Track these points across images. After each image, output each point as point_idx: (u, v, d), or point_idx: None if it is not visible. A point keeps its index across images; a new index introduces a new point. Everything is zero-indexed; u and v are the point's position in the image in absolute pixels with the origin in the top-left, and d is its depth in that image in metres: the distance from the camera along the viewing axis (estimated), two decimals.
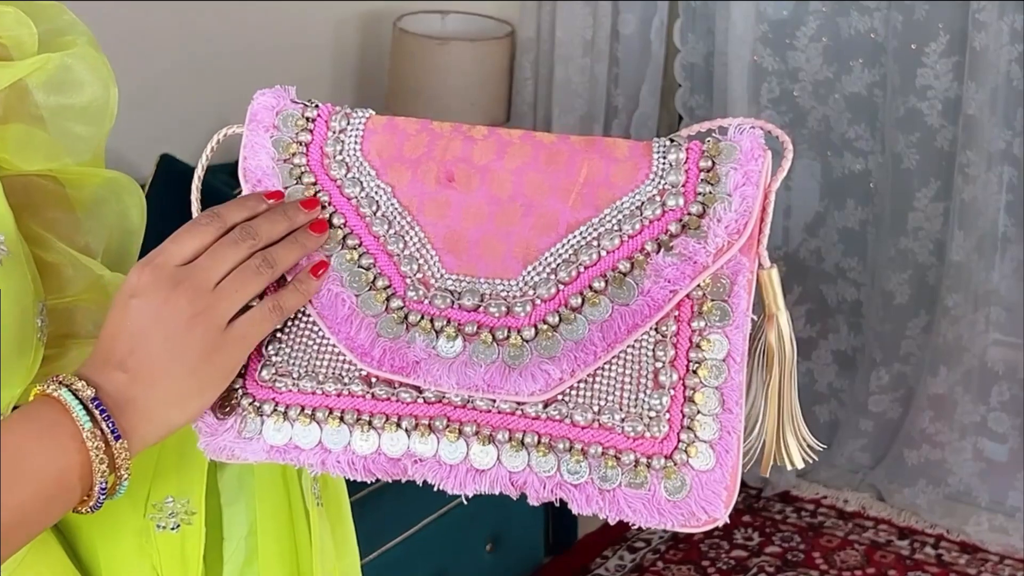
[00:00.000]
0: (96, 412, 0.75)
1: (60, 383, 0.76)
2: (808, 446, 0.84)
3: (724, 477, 0.78)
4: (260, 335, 0.81)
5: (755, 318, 0.82)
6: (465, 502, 0.81)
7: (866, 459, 2.97)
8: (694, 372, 0.79)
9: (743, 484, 2.77)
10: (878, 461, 2.95)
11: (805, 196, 2.96)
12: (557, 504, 0.79)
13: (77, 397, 0.75)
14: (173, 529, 0.89)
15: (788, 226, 2.99)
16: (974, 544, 2.76)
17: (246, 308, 0.80)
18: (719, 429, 0.78)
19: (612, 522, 0.79)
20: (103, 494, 0.76)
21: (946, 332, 2.78)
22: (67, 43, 0.91)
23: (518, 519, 2.49)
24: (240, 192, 0.85)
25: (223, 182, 2.09)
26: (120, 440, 0.76)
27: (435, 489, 0.80)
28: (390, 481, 0.82)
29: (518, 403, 0.79)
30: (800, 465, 0.84)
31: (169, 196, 2.47)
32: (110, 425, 0.76)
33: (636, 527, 2.75)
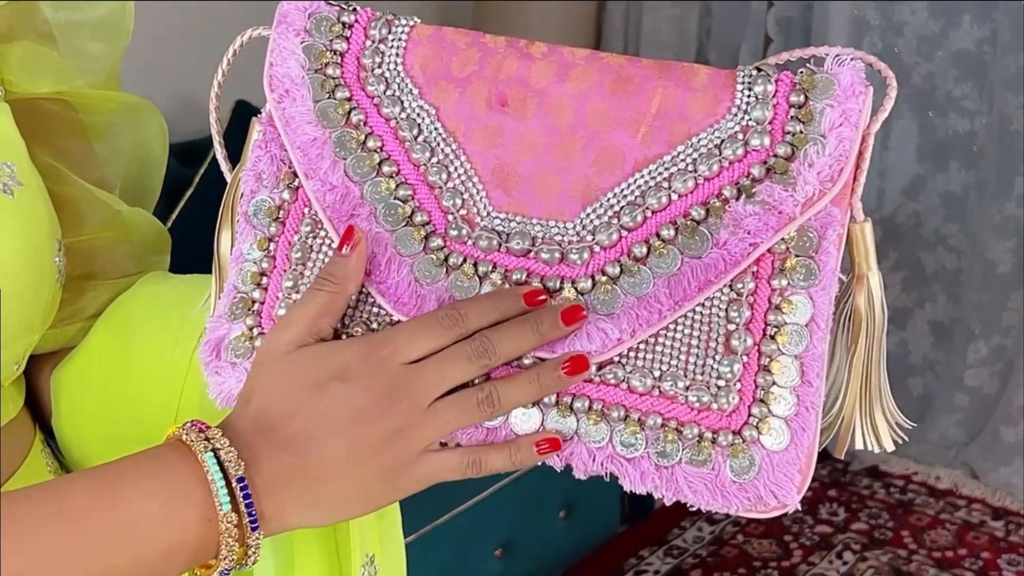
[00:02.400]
0: (239, 496, 0.65)
1: (207, 439, 0.66)
2: (896, 424, 0.74)
3: (798, 458, 0.69)
4: (445, 479, 0.70)
5: (843, 278, 0.72)
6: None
7: (960, 435, 2.88)
8: (772, 338, 0.70)
9: (828, 456, 2.72)
10: (973, 437, 2.86)
11: (904, 157, 2.86)
12: (607, 479, 0.71)
13: (222, 469, 0.65)
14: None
15: (884, 188, 2.88)
16: None
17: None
18: (796, 404, 0.69)
19: (668, 502, 0.70)
20: (227, 573, 0.67)
21: None
22: None
23: (593, 486, 2.41)
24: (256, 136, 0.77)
25: None
26: (256, 531, 0.66)
27: None
28: None
29: None
30: (890, 448, 0.74)
31: (246, 142, 2.43)
32: (250, 514, 0.66)
33: None
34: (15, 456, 0.83)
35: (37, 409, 0.90)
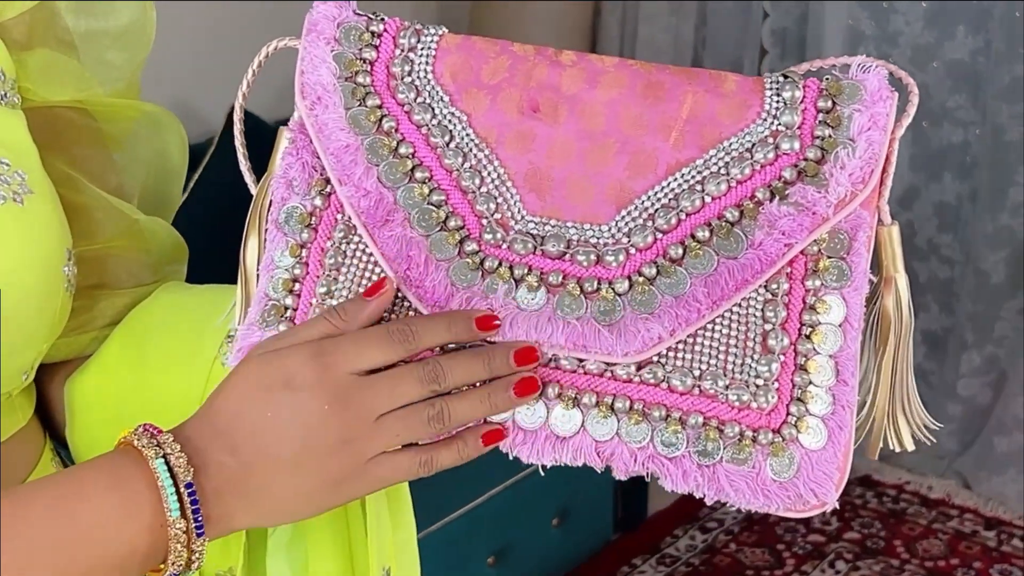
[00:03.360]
0: (187, 502, 0.66)
1: (158, 444, 0.66)
2: (923, 425, 0.76)
3: (836, 456, 0.70)
4: (398, 482, 0.70)
5: (873, 278, 0.74)
6: (542, 472, 0.73)
7: (953, 444, 2.88)
8: (807, 337, 0.71)
9: None
10: (966, 447, 2.86)
11: (897, 167, 2.82)
12: (648, 479, 0.71)
13: (172, 474, 0.66)
14: None
15: None
16: None
17: None
18: (832, 402, 0.71)
19: (710, 501, 0.71)
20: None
21: None
22: None
23: (587, 494, 2.42)
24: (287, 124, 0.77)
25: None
26: (201, 537, 0.67)
27: (510, 458, 0.72)
28: None
29: (608, 364, 0.71)
30: (911, 448, 0.76)
31: None
32: (196, 519, 0.66)
33: (710, 505, 2.67)
34: (24, 466, 0.82)
35: (48, 419, 0.89)
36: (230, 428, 0.68)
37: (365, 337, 0.69)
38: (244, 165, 0.80)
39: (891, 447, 0.76)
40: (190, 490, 0.66)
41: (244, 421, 0.68)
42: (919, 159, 2.84)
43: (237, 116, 0.79)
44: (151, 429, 0.68)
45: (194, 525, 0.66)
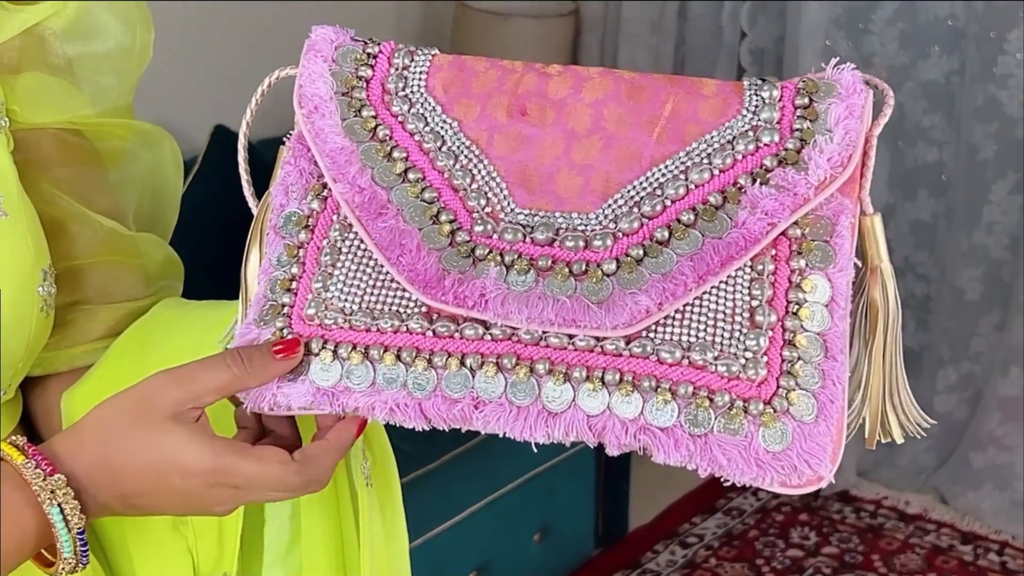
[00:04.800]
0: (78, 544, 0.72)
1: (52, 491, 0.71)
2: (914, 420, 0.76)
3: (829, 429, 0.71)
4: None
5: (858, 263, 0.76)
6: (535, 450, 0.74)
7: (930, 460, 2.90)
8: (794, 314, 0.73)
9: None
10: (942, 463, 2.88)
11: (874, 186, 2.84)
12: (641, 453, 0.72)
13: (66, 524, 0.71)
14: None
15: None
16: None
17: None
18: (822, 377, 0.72)
19: (703, 474, 0.71)
20: None
21: (1019, 331, 2.70)
22: None
23: (568, 510, 2.43)
24: (289, 138, 0.79)
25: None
26: (86, 566, 0.73)
27: (501, 435, 0.73)
28: (446, 430, 0.74)
29: (597, 339, 0.72)
30: (900, 440, 0.77)
31: (223, 168, 2.43)
32: (83, 553, 0.72)
33: (690, 520, 2.69)
34: None
35: (42, 430, 0.91)
36: (134, 488, 0.73)
37: (271, 490, 0.74)
38: (248, 191, 0.82)
39: (880, 439, 0.77)
40: (81, 537, 0.71)
41: (145, 481, 0.72)
42: (895, 177, 2.87)
43: (241, 144, 0.82)
44: (43, 464, 0.71)
45: (81, 563, 0.72)
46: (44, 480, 0.70)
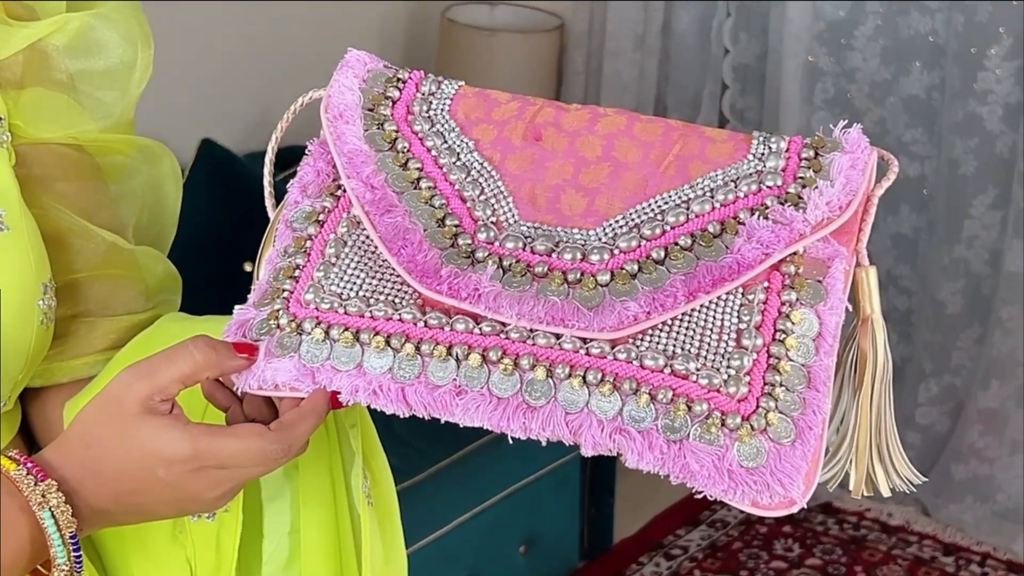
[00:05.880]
0: (70, 548, 0.73)
1: (43, 495, 0.73)
2: (904, 476, 0.76)
3: (805, 454, 0.72)
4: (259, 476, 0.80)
5: (850, 306, 0.77)
6: (510, 441, 0.75)
7: None
8: (780, 342, 0.74)
9: None
10: (924, 475, 2.86)
11: None
12: (615, 454, 0.73)
13: (58, 528, 0.73)
14: (209, 517, 0.85)
15: None
16: (1022, 564, 2.68)
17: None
18: (802, 405, 0.73)
19: (675, 481, 0.72)
20: None
21: (999, 345, 2.72)
22: (96, 4, 0.87)
23: (553, 522, 2.44)
24: (294, 173, 0.82)
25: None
26: (80, 573, 0.74)
27: (479, 425, 0.74)
28: (426, 419, 0.76)
29: (583, 341, 0.74)
30: (887, 493, 0.77)
31: (209, 181, 2.44)
32: (77, 559, 0.74)
33: (674, 532, 2.70)
34: None
35: (41, 441, 0.91)
36: (121, 487, 0.74)
37: (255, 462, 0.76)
38: (269, 202, 0.85)
39: (865, 493, 0.76)
40: (74, 541, 0.73)
41: (131, 480, 0.74)
42: None
43: (269, 158, 0.85)
44: (34, 471, 0.73)
45: (76, 569, 0.73)
46: (35, 485, 0.72)
